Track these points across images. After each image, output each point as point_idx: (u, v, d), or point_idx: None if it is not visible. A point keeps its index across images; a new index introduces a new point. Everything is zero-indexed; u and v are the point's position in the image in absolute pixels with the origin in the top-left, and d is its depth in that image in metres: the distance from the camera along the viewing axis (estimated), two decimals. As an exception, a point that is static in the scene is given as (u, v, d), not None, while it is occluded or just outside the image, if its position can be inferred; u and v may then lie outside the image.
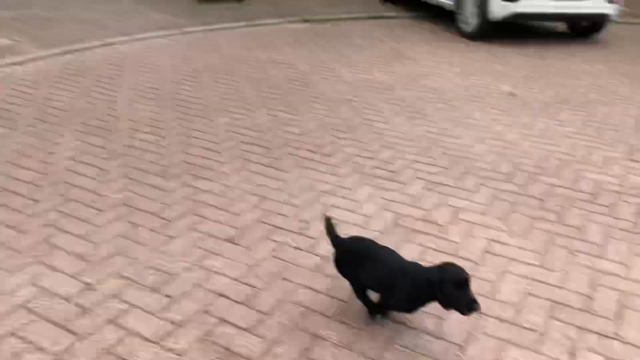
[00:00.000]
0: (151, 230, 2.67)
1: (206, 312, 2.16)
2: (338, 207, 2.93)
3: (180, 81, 4.80)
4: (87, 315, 2.11)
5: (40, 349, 1.94)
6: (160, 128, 3.81)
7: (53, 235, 2.58)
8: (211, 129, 3.85)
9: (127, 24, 6.71)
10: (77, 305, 2.16)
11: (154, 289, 2.27)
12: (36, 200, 2.85)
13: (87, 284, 2.28)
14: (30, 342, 1.97)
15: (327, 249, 2.55)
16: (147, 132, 3.73)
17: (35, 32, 6.12)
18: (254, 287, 2.31)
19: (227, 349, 1.99)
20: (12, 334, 2.00)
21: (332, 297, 2.27)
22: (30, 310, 2.11)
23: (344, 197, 3.04)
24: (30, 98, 4.19)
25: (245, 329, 2.08)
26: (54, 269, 2.36)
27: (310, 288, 2.32)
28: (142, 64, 5.21)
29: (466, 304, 1.80)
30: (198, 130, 3.81)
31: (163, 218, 2.77)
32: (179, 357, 1.94)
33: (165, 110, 4.13)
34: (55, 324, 2.06)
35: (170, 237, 2.63)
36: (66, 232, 2.61)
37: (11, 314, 2.09)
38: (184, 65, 5.25)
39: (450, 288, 1.82)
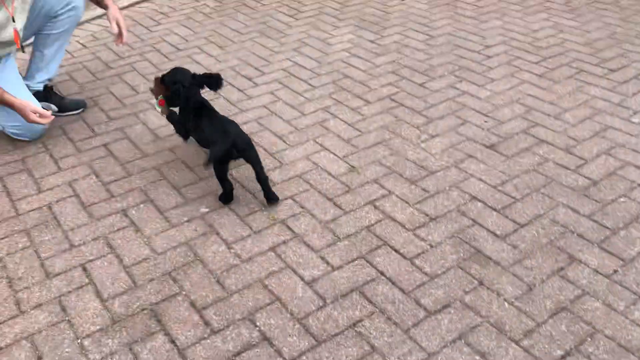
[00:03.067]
0: (413, 126, 2.75)
1: (460, 211, 2.20)
2: (616, 129, 2.63)
3: (455, -20, 4.63)
4: (351, 194, 2.32)
5: (312, 216, 2.21)
6: (429, 27, 3.79)
7: (326, 120, 2.83)
8: (483, 32, 3.69)
9: None
10: (342, 183, 2.38)
11: (412, 182, 2.37)
12: (314, 87, 3.13)
13: (352, 166, 2.48)
14: (304, 208, 2.25)
15: (597, 172, 2.35)
16: (417, 31, 3.73)
17: None
18: (510, 196, 2.26)
19: (477, 250, 2.02)
20: (290, 198, 2.30)
21: (597, 222, 2.10)
22: (305, 181, 2.40)
23: (624, 119, 2.71)
24: (314, -9, 4.48)
25: (497, 236, 2.07)
26: (325, 148, 2.61)
27: (573, 209, 2.18)
28: (417, -40, 5.14)
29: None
30: (469, 32, 3.68)
31: (425, 116, 2.82)
32: (431, 247, 2.04)
33: (435, 9, 4.06)
34: (324, 196, 2.31)
35: (431, 135, 2.68)
36: (337, 117, 2.84)
37: (290, 181, 2.40)
38: (460, -37, 5.03)
39: None
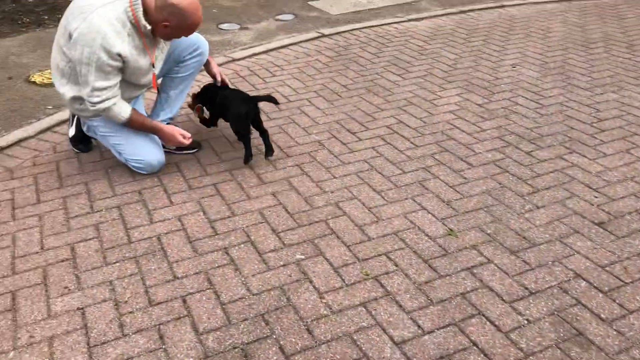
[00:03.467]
0: (517, 194, 2.68)
1: (562, 289, 2.10)
2: None
3: (569, 49, 4.55)
4: (447, 258, 2.29)
5: (406, 275, 2.19)
6: (540, 95, 3.72)
7: (427, 179, 2.83)
8: (597, 104, 3.57)
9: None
10: (439, 246, 2.36)
11: (512, 252, 2.30)
12: (416, 145, 3.15)
13: (450, 229, 2.46)
14: (398, 266, 2.24)
15: None
16: (527, 98, 3.68)
17: (435, -8, 6.57)
18: (619, 279, 2.14)
19: (579, 332, 1.91)
20: (385, 255, 2.31)
21: None
22: (400, 239, 2.40)
23: None
24: (423, 52, 4.57)
25: (602, 319, 1.95)
26: (424, 208, 2.60)
27: (691, 301, 2.01)
28: (531, 28, 5.11)
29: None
30: (581, 103, 3.58)
31: (531, 185, 2.75)
32: (528, 322, 1.95)
33: (547, 77, 3.99)
34: (420, 256, 2.30)
35: (536, 205, 2.60)
36: (438, 178, 2.84)
37: (386, 238, 2.41)
38: (576, 33, 4.94)
39: None
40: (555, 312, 1.99)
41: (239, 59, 4.46)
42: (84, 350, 1.88)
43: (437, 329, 1.94)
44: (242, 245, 2.37)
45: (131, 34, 2.52)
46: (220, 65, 4.29)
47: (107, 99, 2.57)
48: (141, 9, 2.49)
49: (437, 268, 2.23)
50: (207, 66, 3.10)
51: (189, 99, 3.23)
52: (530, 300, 2.05)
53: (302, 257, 2.30)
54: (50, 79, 4.00)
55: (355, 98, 3.76)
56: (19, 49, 4.64)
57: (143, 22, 2.50)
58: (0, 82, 3.97)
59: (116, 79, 2.57)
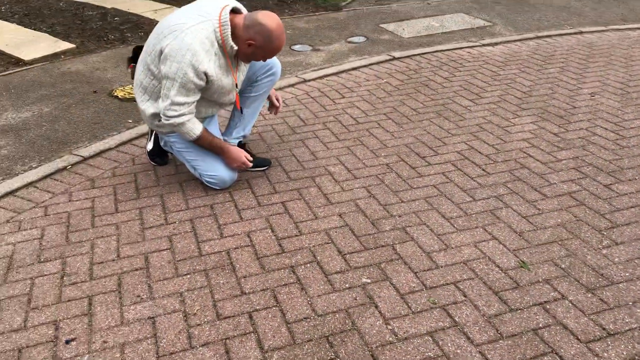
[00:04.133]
0: (594, 229, 2.57)
1: (643, 332, 1.98)
2: None
3: (654, 79, 4.35)
4: (519, 291, 2.21)
5: (475, 307, 2.14)
6: (620, 126, 3.57)
7: (499, 208, 2.76)
8: (683, 137, 3.39)
9: (604, 13, 6.41)
10: (510, 278, 2.29)
11: (589, 289, 2.20)
12: (488, 173, 3.09)
13: (522, 261, 2.38)
14: (466, 297, 2.19)
15: None
16: (606, 129, 3.54)
17: (511, 16, 6.46)
18: None
19: (663, 380, 1.79)
20: (453, 284, 2.26)
21: None
22: (470, 269, 2.34)
23: None
24: (497, 77, 4.48)
25: (689, 369, 1.83)
26: (495, 238, 2.53)
27: None
28: (612, 56, 4.92)
29: None
30: (666, 136, 3.41)
31: (609, 220, 2.63)
32: (606, 366, 1.85)
33: (629, 108, 3.83)
34: (490, 288, 2.23)
35: (615, 241, 2.48)
36: (510, 207, 2.76)
37: (455, 266, 2.36)
38: (661, 62, 4.72)
39: None
40: (636, 357, 1.88)
41: (310, 80, 4.52)
42: (153, 359, 1.93)
43: (507, 365, 1.87)
44: (309, 265, 2.38)
45: (217, 54, 2.62)
46: (291, 85, 4.38)
47: (183, 114, 2.67)
48: (229, 30, 2.59)
49: (507, 301, 2.16)
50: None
51: None
52: (609, 342, 1.95)
53: (368, 280, 2.28)
54: (132, 94, 4.20)
55: (425, 122, 3.73)
56: (104, 64, 4.90)
57: (230, 42, 2.60)
58: (85, 96, 4.20)
59: (195, 97, 2.67)
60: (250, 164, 2.98)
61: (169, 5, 6.74)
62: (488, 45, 5.37)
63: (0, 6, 6.73)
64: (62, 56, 5.08)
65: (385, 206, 2.79)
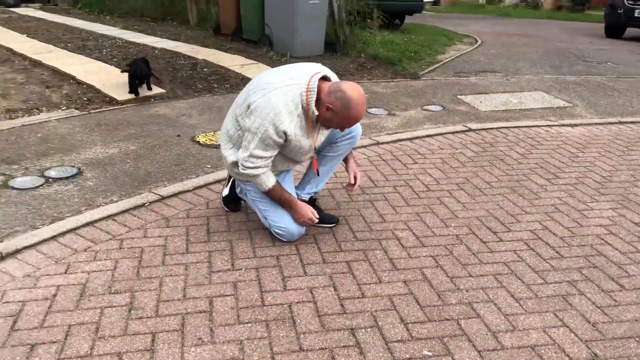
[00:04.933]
0: (677, 329, 2.41)
1: None
2: None
3: None
4: (590, 386, 2.08)
5: (542, 395, 2.03)
6: None
7: (571, 295, 2.64)
8: None
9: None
10: (581, 370, 2.16)
11: (669, 394, 2.05)
12: (562, 256, 2.98)
13: (595, 354, 2.25)
14: (533, 384, 2.08)
15: None
16: (693, 223, 3.36)
17: (593, 99, 6.36)
18: None
19: None
20: (519, 368, 2.16)
21: None
22: (538, 355, 2.23)
23: None
24: (575, 159, 4.38)
25: None
26: (566, 325, 2.42)
27: None
28: (701, 148, 4.72)
29: None
30: None
31: (694, 322, 2.46)
32: None
33: None
34: (558, 378, 2.12)
35: (700, 346, 2.31)
36: (584, 295, 2.64)
37: (521, 350, 2.26)
38: None
39: None
40: None
41: (383, 143, 4.58)
42: (208, 404, 1.93)
43: None
44: (369, 330, 2.35)
45: (300, 116, 2.73)
46: (365, 146, 4.44)
47: (259, 167, 2.77)
48: (315, 96, 2.69)
49: (577, 395, 2.04)
50: (346, 160, 3.22)
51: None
52: None
53: (430, 354, 2.22)
54: (212, 140, 4.39)
55: (498, 197, 3.67)
56: (189, 110, 5.16)
57: (312, 107, 2.70)
58: (170, 139, 4.42)
59: (272, 153, 2.77)
60: (317, 221, 3.02)
61: (255, 62, 7.09)
62: (567, 125, 5.29)
63: (102, 50, 7.29)
64: (152, 99, 5.41)
65: (453, 278, 2.73)
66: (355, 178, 3.18)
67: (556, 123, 5.33)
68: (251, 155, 2.73)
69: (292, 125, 2.70)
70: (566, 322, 2.44)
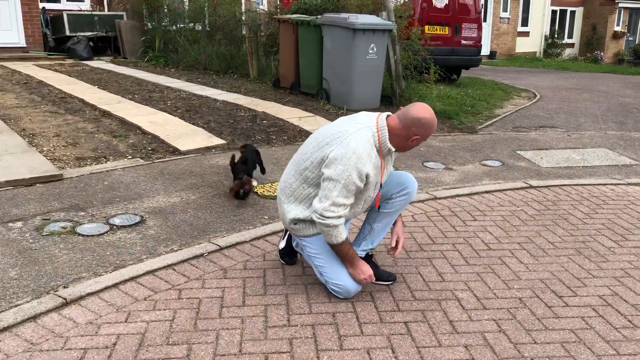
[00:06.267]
0: None
1: None
2: None
3: None
4: None
5: None
6: None
7: (648, 368, 2.47)
8: None
9: None
10: None
11: None
12: (635, 326, 2.81)
13: None
14: None
15: None
16: None
17: (660, 156, 6.11)
18: None
19: None
20: None
21: None
22: None
23: None
24: (645, 220, 4.18)
25: None
26: (643, 403, 2.25)
27: None
28: None
29: None
30: None
31: None
32: None
33: None
34: None
35: None
36: (662, 370, 2.46)
37: None
38: None
39: None
40: None
41: (440, 198, 4.52)
42: None
43: None
44: (429, 396, 2.25)
45: (376, 156, 2.81)
46: (422, 201, 4.39)
47: (339, 216, 2.78)
48: (386, 133, 2.79)
49: None
50: (394, 223, 3.19)
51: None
52: None
53: None
54: (270, 191, 4.44)
55: (563, 258, 3.52)
56: (248, 161, 5.27)
57: (389, 145, 2.81)
58: (229, 189, 4.51)
59: (352, 200, 2.81)
60: (374, 279, 2.98)
61: (312, 114, 7.22)
62: (635, 184, 5.08)
63: (167, 101, 7.61)
64: (213, 150, 5.56)
65: (517, 345, 2.61)
66: (397, 242, 3.14)
67: (622, 182, 5.13)
68: (333, 204, 2.75)
69: (371, 167, 2.78)
70: (643, 400, 2.27)
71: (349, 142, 2.73)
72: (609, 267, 3.43)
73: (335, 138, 2.78)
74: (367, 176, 2.75)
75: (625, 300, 3.03)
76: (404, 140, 2.81)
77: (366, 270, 2.93)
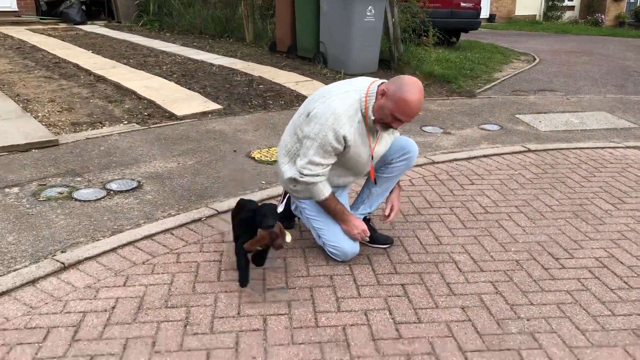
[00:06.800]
0: None
1: None
2: None
3: None
4: None
5: None
6: None
7: (642, 328, 2.50)
8: None
9: None
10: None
11: None
12: (631, 287, 2.83)
13: (670, 395, 2.11)
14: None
15: None
16: None
17: (659, 120, 6.08)
18: None
19: None
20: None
21: None
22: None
23: None
24: (643, 183, 4.18)
25: None
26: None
27: None
28: None
29: None
30: None
31: None
32: None
33: None
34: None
35: None
36: (656, 330, 2.49)
37: (588, 386, 2.14)
38: None
39: None
40: None
41: (438, 162, 4.50)
42: None
43: None
44: (426, 357, 2.28)
45: (360, 122, 2.74)
46: (420, 165, 4.38)
47: (317, 175, 2.76)
48: (373, 100, 2.71)
49: None
50: (392, 190, 3.16)
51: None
52: None
53: (489, 384, 2.13)
54: (267, 156, 4.42)
55: (560, 221, 3.53)
56: (245, 126, 5.23)
57: (370, 113, 2.71)
58: (225, 154, 4.49)
59: (331, 160, 2.76)
60: (368, 234, 2.99)
61: (309, 79, 7.14)
62: (633, 147, 5.06)
63: (162, 66, 7.51)
64: (210, 115, 5.52)
65: (513, 306, 2.63)
66: (391, 210, 3.12)
67: (621, 145, 5.11)
68: (310, 162, 2.73)
69: (352, 131, 2.70)
70: (637, 358, 2.30)
71: (331, 102, 2.69)
72: (606, 229, 3.44)
73: (321, 97, 2.75)
74: (345, 139, 2.68)
75: (621, 262, 3.05)
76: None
77: (359, 225, 2.93)
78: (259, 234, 2.62)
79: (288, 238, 2.75)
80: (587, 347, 2.36)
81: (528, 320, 2.53)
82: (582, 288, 2.80)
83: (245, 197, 3.12)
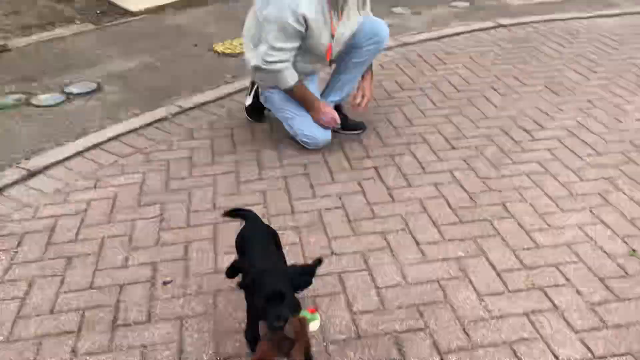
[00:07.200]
0: None
1: None
2: None
3: None
4: (628, 280, 2.06)
5: (578, 292, 2.01)
6: None
7: (608, 192, 2.57)
8: None
9: None
10: (618, 266, 2.13)
11: None
12: (598, 152, 2.88)
13: (633, 250, 2.21)
14: (569, 280, 2.06)
15: None
16: None
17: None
18: None
19: None
20: (554, 266, 2.14)
21: None
22: (574, 252, 2.20)
23: None
24: (613, 51, 4.14)
25: None
26: (602, 222, 2.36)
27: None
28: None
29: None
30: None
31: None
32: None
33: None
34: (594, 274, 2.09)
35: None
36: (622, 191, 2.57)
37: (557, 248, 2.23)
38: None
39: None
40: None
41: (409, 44, 4.38)
42: (243, 308, 1.96)
43: (611, 356, 1.75)
44: (400, 232, 2.33)
45: (321, 2, 2.58)
46: (390, 48, 4.25)
47: (280, 61, 2.66)
48: None
49: (614, 289, 2.02)
50: (363, 76, 3.05)
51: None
52: None
53: (463, 254, 2.20)
54: (230, 49, 4.24)
55: (532, 94, 3.51)
56: (205, 18, 4.98)
57: None
58: (186, 49, 4.29)
59: (294, 44, 2.64)
60: (339, 120, 2.92)
61: (270, -37, 6.72)
62: (605, 16, 4.96)
63: (111, -41, 6.97)
64: (166, 9, 5.21)
65: (484, 179, 2.67)
66: (363, 97, 3.00)
67: (592, 14, 5.00)
68: (271, 47, 2.62)
69: (312, 9, 2.56)
70: (603, 219, 2.38)
71: None
72: (576, 99, 3.44)
73: None
74: (305, 18, 2.54)
75: (590, 130, 3.08)
76: None
77: (328, 112, 2.88)
78: (261, 349, 1.54)
79: (314, 325, 1.81)
80: (556, 212, 2.43)
81: (500, 191, 2.58)
82: (553, 157, 2.84)
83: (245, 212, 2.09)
